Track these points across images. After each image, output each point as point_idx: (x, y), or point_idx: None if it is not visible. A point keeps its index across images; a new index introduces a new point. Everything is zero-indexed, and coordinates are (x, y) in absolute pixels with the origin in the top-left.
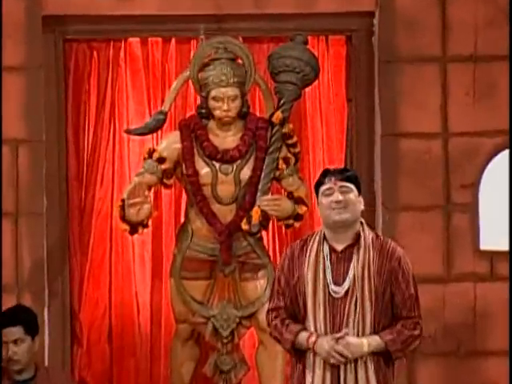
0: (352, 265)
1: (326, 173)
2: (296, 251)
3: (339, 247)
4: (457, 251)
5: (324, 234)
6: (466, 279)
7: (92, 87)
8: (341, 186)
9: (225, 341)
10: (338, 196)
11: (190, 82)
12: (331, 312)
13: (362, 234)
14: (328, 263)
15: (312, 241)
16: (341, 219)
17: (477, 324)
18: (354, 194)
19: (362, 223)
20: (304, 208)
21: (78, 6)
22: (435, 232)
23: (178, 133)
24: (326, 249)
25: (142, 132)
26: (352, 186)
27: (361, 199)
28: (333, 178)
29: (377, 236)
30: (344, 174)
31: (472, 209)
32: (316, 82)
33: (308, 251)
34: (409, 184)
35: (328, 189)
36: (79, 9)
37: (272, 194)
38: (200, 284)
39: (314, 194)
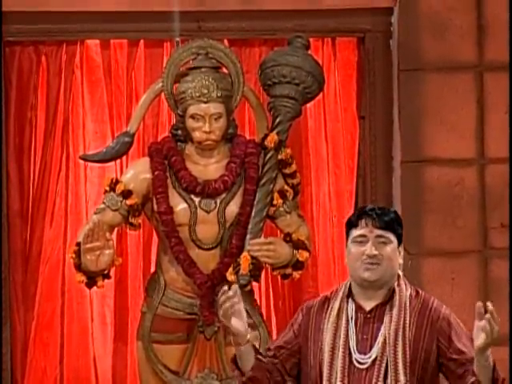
0: (383, 327)
1: (362, 214)
2: (314, 308)
3: (368, 306)
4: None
5: (350, 288)
6: (507, 343)
7: (40, 102)
8: (378, 236)
9: None
10: (372, 249)
11: (163, 95)
12: None
13: (396, 289)
14: (352, 325)
15: (335, 297)
16: (370, 278)
17: None
18: (392, 247)
19: (398, 276)
20: (305, 254)
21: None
22: (469, 283)
23: (147, 160)
24: (351, 307)
25: (103, 158)
26: (392, 237)
27: (401, 250)
28: (370, 223)
29: (417, 293)
30: (384, 220)
31: None
32: (320, 96)
33: (329, 309)
34: (436, 223)
35: (361, 236)
36: (23, 3)
37: (265, 236)
38: (175, 349)
39: (317, 237)
